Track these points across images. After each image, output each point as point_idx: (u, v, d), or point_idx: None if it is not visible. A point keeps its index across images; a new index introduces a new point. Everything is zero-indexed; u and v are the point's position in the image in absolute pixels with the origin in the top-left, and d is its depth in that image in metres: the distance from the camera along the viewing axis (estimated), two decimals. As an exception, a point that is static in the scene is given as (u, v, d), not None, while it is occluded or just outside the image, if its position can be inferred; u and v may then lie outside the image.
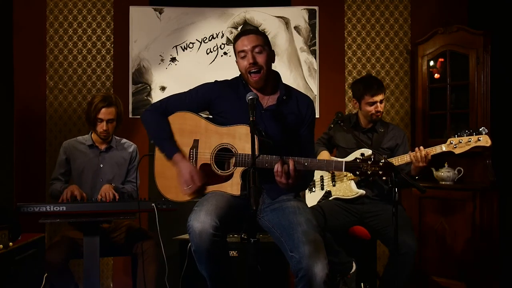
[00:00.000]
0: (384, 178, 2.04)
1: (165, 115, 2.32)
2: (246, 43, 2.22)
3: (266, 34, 2.36)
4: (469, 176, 3.61)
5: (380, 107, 3.06)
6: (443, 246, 3.54)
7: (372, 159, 2.03)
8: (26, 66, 3.88)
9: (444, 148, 2.77)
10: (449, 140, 2.76)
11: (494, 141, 3.52)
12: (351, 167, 2.05)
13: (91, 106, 3.00)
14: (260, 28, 3.93)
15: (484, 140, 2.68)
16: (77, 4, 3.95)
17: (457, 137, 2.74)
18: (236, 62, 2.31)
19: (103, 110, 2.98)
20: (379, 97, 3.04)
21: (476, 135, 2.69)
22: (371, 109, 3.06)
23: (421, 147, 2.83)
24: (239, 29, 3.98)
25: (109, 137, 3.11)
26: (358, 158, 2.04)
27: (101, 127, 3.01)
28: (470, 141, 2.70)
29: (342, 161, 2.08)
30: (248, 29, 2.34)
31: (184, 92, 2.39)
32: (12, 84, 3.83)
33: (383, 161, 2.03)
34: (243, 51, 2.23)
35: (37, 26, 3.91)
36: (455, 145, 2.72)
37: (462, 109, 3.72)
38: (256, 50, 2.22)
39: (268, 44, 2.29)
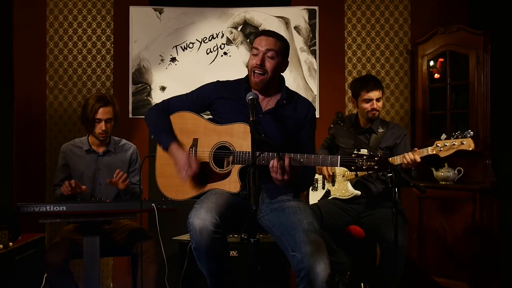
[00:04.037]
0: (380, 173, 2.04)
1: (166, 113, 2.37)
2: (263, 44, 2.23)
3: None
4: (469, 176, 3.61)
5: (377, 105, 3.05)
6: (443, 246, 3.54)
7: (368, 154, 2.04)
8: (26, 66, 3.88)
9: (430, 151, 2.71)
10: (435, 142, 2.70)
11: (494, 141, 3.55)
12: (346, 162, 2.06)
13: (87, 107, 2.95)
14: (260, 28, 3.93)
15: (467, 144, 2.60)
16: (77, 4, 3.94)
17: (445, 139, 2.68)
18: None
19: (101, 110, 2.95)
20: (375, 94, 3.03)
21: (461, 138, 2.63)
22: (367, 106, 3.05)
23: (410, 153, 2.77)
24: (239, 29, 3.98)
25: (107, 138, 3.08)
26: (354, 153, 2.06)
27: (100, 127, 2.97)
28: (454, 145, 2.63)
29: (337, 156, 2.09)
30: (272, 31, 2.34)
31: (186, 93, 2.44)
32: (12, 84, 3.82)
33: (378, 156, 2.03)
34: (257, 49, 2.24)
35: (37, 26, 3.91)
36: (441, 148, 2.66)
37: (462, 109, 3.72)
38: (269, 54, 2.22)
39: (283, 53, 2.28)
